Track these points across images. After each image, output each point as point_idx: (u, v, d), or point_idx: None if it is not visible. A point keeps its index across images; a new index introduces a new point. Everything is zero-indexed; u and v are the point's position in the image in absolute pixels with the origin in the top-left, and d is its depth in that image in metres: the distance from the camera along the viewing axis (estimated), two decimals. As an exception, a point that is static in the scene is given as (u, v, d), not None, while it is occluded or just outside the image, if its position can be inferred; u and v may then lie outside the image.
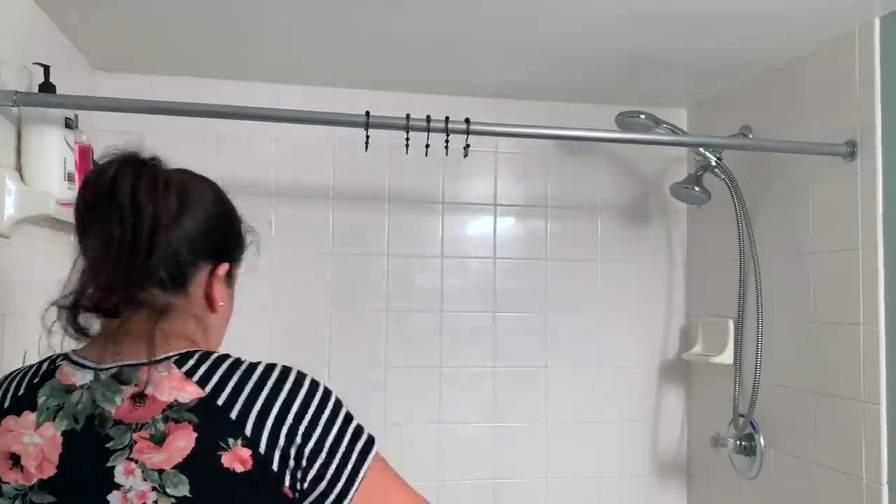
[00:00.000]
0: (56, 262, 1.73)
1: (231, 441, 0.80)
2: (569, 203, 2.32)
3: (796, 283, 1.84)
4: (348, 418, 0.89)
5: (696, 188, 2.04)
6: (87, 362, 0.85)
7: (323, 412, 0.86)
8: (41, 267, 1.63)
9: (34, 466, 0.81)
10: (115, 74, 2.04)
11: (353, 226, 2.17)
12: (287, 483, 0.82)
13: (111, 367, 0.84)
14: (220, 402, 0.81)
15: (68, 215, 1.58)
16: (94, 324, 0.88)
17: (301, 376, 0.88)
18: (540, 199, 2.31)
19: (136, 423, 0.80)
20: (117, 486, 0.79)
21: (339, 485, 0.85)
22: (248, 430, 0.81)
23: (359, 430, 0.90)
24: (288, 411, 0.83)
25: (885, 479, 1.55)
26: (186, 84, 2.06)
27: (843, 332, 1.67)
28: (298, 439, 0.83)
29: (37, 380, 0.86)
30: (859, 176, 1.64)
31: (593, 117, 2.18)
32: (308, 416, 0.84)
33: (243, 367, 0.85)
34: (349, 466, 0.87)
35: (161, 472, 0.78)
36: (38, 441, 0.82)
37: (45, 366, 0.88)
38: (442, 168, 2.19)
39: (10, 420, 0.84)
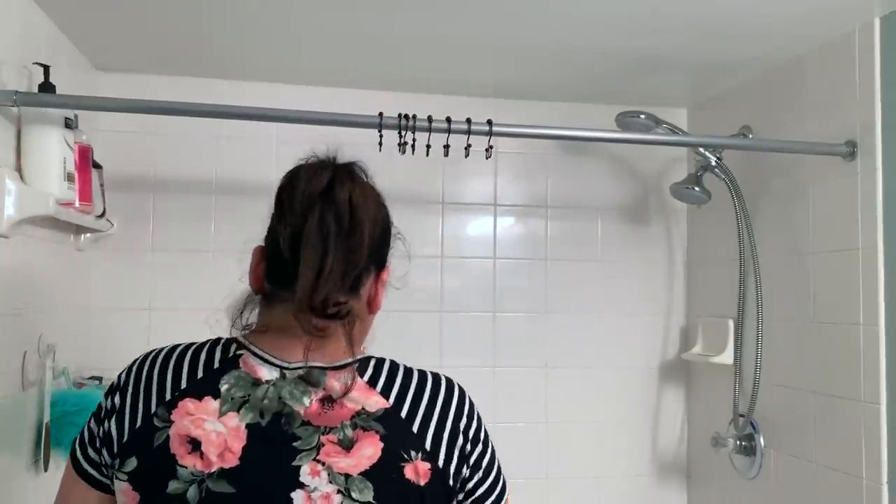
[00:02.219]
0: (56, 262, 1.73)
1: (413, 454, 0.83)
2: (569, 203, 2.32)
3: (796, 283, 1.84)
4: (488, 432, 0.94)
5: (696, 188, 2.04)
6: (272, 358, 0.85)
7: (482, 426, 0.92)
8: (41, 267, 1.63)
9: (215, 454, 0.80)
10: (115, 74, 2.04)
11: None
12: (460, 497, 0.87)
13: (298, 367, 0.84)
14: (403, 414, 0.84)
15: (68, 215, 1.59)
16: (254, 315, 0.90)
17: (462, 390, 0.92)
18: (540, 199, 2.31)
19: (325, 427, 0.81)
20: (302, 486, 0.80)
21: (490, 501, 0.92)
22: (427, 444, 0.84)
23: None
24: (458, 426, 0.88)
25: (885, 479, 1.55)
26: (186, 84, 2.06)
27: (843, 332, 1.67)
28: (468, 454, 0.88)
29: (216, 365, 0.85)
30: (859, 176, 1.64)
31: (593, 117, 2.18)
32: (472, 431, 0.89)
33: (416, 378, 0.89)
34: (499, 486, 0.95)
35: (347, 476, 0.80)
36: (220, 429, 0.81)
37: (219, 351, 0.86)
38: (442, 168, 2.19)
39: (190, 403, 0.82)
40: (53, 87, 1.51)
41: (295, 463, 0.80)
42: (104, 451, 0.86)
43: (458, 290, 2.24)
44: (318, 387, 0.83)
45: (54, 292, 1.65)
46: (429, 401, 0.87)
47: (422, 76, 2.08)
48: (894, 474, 1.53)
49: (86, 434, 0.89)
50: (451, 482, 0.85)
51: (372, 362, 0.88)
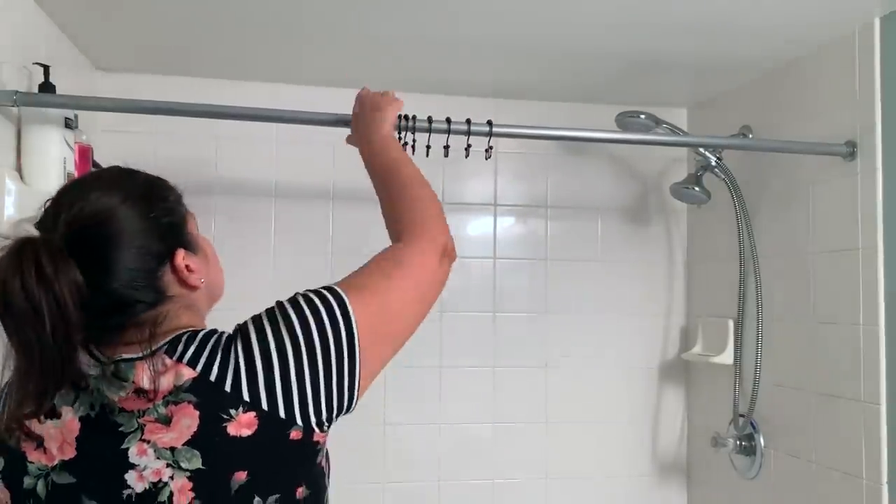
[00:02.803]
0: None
1: (233, 412, 0.83)
2: (569, 203, 2.32)
3: (796, 283, 1.83)
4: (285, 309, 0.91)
5: (696, 188, 2.04)
6: (97, 353, 0.87)
7: (274, 321, 0.89)
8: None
9: (55, 448, 0.85)
10: (115, 74, 2.04)
11: (353, 226, 2.17)
12: (300, 422, 0.86)
13: (113, 361, 0.86)
14: (213, 378, 0.84)
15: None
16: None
17: (254, 318, 0.90)
18: (540, 199, 2.31)
19: (139, 410, 0.83)
20: (133, 466, 0.83)
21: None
22: (245, 395, 0.84)
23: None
24: (264, 356, 0.85)
25: (885, 479, 1.55)
26: (186, 84, 2.06)
27: (843, 332, 1.67)
28: (287, 365, 0.86)
29: None
30: (859, 176, 1.64)
31: (593, 117, 2.18)
32: (272, 345, 0.86)
33: (224, 337, 0.88)
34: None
35: (173, 449, 0.82)
36: (57, 424, 0.85)
37: None
38: (442, 168, 2.19)
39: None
40: (53, 87, 1.51)
41: (123, 446, 0.83)
42: None
43: (458, 290, 2.24)
44: (128, 380, 0.84)
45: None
46: (234, 353, 0.85)
47: (422, 76, 2.07)
48: (894, 474, 1.53)
49: None
50: (282, 414, 0.85)
51: (184, 338, 0.88)
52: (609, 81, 2.09)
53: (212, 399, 0.83)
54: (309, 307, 0.89)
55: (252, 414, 0.83)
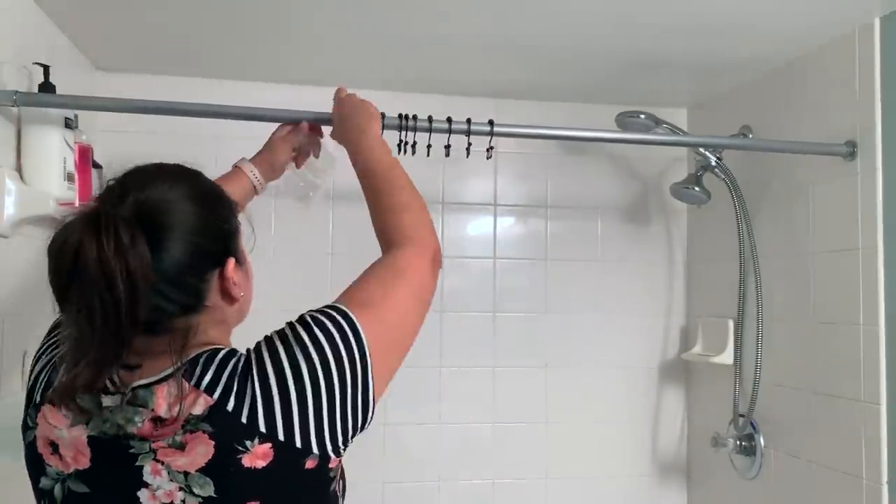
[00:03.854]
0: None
1: (248, 443, 0.82)
2: (569, 203, 2.32)
3: (796, 283, 1.83)
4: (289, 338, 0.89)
5: (696, 188, 2.04)
6: (117, 381, 0.85)
7: (288, 350, 0.87)
8: (41, 267, 1.63)
9: (70, 456, 0.85)
10: (115, 74, 2.03)
11: (353, 226, 2.16)
12: (316, 450, 0.85)
13: (130, 390, 0.84)
14: (229, 407, 0.82)
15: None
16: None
17: (260, 351, 0.87)
18: (540, 199, 2.31)
19: (154, 437, 0.82)
20: (146, 485, 0.83)
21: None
22: (262, 427, 0.82)
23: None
24: (280, 388, 0.84)
25: (885, 479, 1.55)
26: (186, 84, 2.06)
27: (843, 332, 1.67)
28: (304, 394, 0.85)
29: None
30: (859, 176, 1.64)
31: (593, 117, 2.18)
32: (289, 376, 0.85)
33: (241, 362, 0.86)
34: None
35: (186, 474, 0.82)
36: (66, 437, 0.86)
37: None
38: (442, 168, 2.19)
39: (48, 410, 0.88)
40: (53, 87, 1.51)
41: (138, 464, 0.83)
42: None
43: (458, 290, 2.24)
44: (147, 406, 0.83)
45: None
46: (250, 382, 0.84)
47: (422, 76, 2.07)
48: (894, 474, 1.53)
49: None
50: (299, 444, 0.83)
51: (202, 360, 0.86)
52: (609, 81, 2.09)
53: (227, 430, 0.82)
54: (321, 331, 0.88)
55: (268, 445, 0.82)
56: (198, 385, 0.83)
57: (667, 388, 2.35)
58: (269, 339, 0.88)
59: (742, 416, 1.98)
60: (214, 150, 2.10)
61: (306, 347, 0.86)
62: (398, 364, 0.97)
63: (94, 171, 1.72)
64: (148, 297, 0.80)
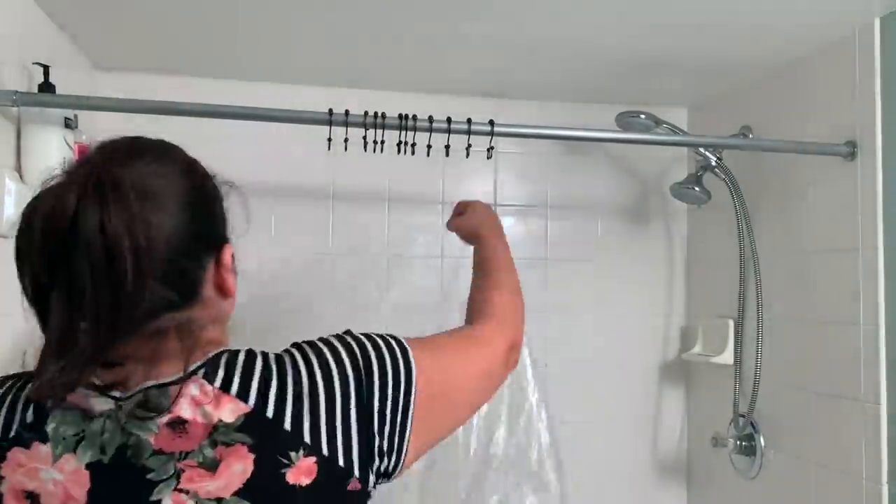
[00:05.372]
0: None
1: (293, 455, 0.72)
2: (569, 203, 2.32)
3: (796, 283, 1.83)
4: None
5: (696, 188, 2.04)
6: (101, 383, 0.73)
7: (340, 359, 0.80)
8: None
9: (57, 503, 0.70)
10: (115, 74, 2.03)
11: (353, 226, 2.17)
12: (357, 473, 0.76)
13: (134, 393, 0.72)
14: (269, 413, 0.72)
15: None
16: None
17: (303, 350, 0.80)
18: (540, 199, 2.31)
19: (181, 452, 0.70)
20: None
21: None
22: (307, 437, 0.73)
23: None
24: (328, 395, 0.76)
25: (885, 479, 1.55)
26: (186, 84, 2.05)
27: (843, 332, 1.67)
28: (350, 410, 0.76)
29: (48, 404, 0.72)
30: (859, 176, 1.64)
31: (593, 117, 2.18)
32: (338, 388, 0.77)
33: (275, 364, 0.77)
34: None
35: (220, 500, 0.70)
36: (58, 477, 0.70)
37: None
38: (442, 168, 2.19)
39: (20, 454, 0.72)
40: (53, 87, 1.51)
41: (154, 498, 0.69)
42: None
43: (459, 291, 2.23)
44: (163, 410, 0.71)
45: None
46: (292, 384, 0.74)
47: (422, 76, 2.07)
48: (894, 474, 1.53)
49: None
50: (342, 462, 0.74)
51: (223, 361, 0.75)
52: (609, 81, 2.09)
53: (270, 440, 0.71)
54: (373, 346, 0.80)
55: (312, 459, 0.72)
56: (225, 389, 0.73)
57: (667, 388, 2.35)
58: (310, 343, 0.80)
59: (742, 416, 1.98)
60: (214, 150, 2.11)
61: (355, 356, 0.78)
62: (445, 429, 0.87)
63: (94, 171, 1.72)
64: (155, 280, 0.69)
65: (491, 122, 1.54)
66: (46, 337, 0.70)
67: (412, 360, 0.82)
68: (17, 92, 1.39)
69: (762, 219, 1.97)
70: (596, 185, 2.33)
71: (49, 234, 0.67)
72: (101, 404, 0.72)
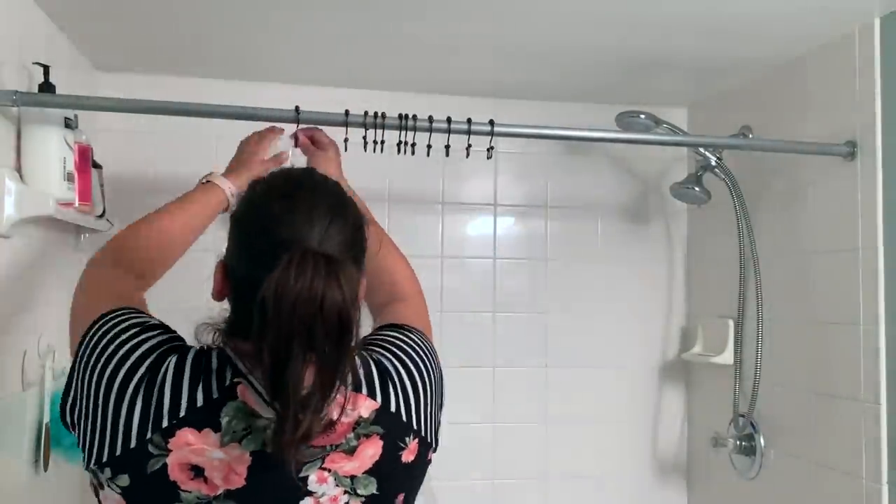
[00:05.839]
0: (56, 263, 1.73)
1: (408, 440, 0.89)
2: (569, 203, 2.32)
3: (796, 283, 1.84)
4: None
5: (696, 188, 2.04)
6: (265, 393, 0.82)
7: (416, 360, 0.97)
8: (41, 267, 1.63)
9: (220, 478, 0.81)
10: (115, 74, 2.03)
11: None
12: (434, 445, 0.95)
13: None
14: (392, 408, 0.89)
15: (68, 215, 1.58)
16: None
17: (411, 345, 0.98)
18: (540, 199, 2.31)
19: (331, 445, 0.84)
20: (310, 493, 0.84)
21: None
22: (415, 424, 0.90)
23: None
24: (424, 388, 0.94)
25: (885, 479, 1.55)
26: (186, 84, 2.05)
27: (843, 332, 1.67)
28: (430, 400, 0.95)
29: (216, 395, 0.82)
30: (859, 176, 1.64)
31: (593, 117, 2.18)
32: (427, 379, 0.96)
33: (388, 366, 0.92)
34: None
35: (353, 477, 0.85)
36: (223, 457, 0.81)
37: (214, 378, 0.83)
38: (442, 168, 2.19)
39: (190, 434, 0.80)
40: (53, 87, 1.51)
41: (303, 473, 0.83)
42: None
43: (459, 290, 2.24)
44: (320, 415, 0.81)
45: (54, 293, 1.65)
46: (398, 380, 0.91)
47: (422, 76, 2.08)
48: (894, 474, 1.54)
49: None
50: (429, 438, 0.93)
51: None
52: (609, 81, 2.09)
53: (394, 430, 0.88)
54: (422, 340, 1.00)
55: (416, 441, 0.90)
56: (357, 389, 0.86)
57: (667, 388, 2.35)
58: (388, 341, 0.97)
59: (742, 416, 1.98)
60: (214, 150, 2.11)
61: (423, 348, 0.98)
62: None
63: (94, 171, 1.72)
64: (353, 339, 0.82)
65: (491, 122, 1.54)
66: (284, 398, 0.77)
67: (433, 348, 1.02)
68: (17, 92, 1.39)
69: (762, 219, 1.97)
70: (596, 185, 2.33)
71: (301, 316, 0.75)
72: (267, 412, 0.81)
